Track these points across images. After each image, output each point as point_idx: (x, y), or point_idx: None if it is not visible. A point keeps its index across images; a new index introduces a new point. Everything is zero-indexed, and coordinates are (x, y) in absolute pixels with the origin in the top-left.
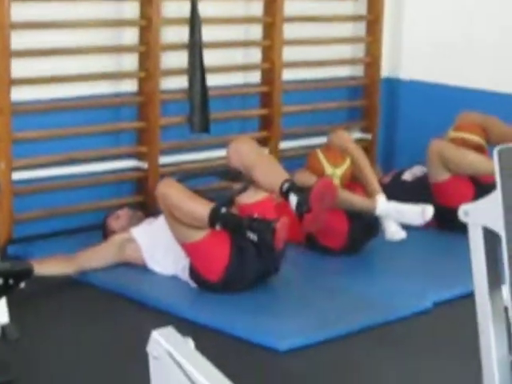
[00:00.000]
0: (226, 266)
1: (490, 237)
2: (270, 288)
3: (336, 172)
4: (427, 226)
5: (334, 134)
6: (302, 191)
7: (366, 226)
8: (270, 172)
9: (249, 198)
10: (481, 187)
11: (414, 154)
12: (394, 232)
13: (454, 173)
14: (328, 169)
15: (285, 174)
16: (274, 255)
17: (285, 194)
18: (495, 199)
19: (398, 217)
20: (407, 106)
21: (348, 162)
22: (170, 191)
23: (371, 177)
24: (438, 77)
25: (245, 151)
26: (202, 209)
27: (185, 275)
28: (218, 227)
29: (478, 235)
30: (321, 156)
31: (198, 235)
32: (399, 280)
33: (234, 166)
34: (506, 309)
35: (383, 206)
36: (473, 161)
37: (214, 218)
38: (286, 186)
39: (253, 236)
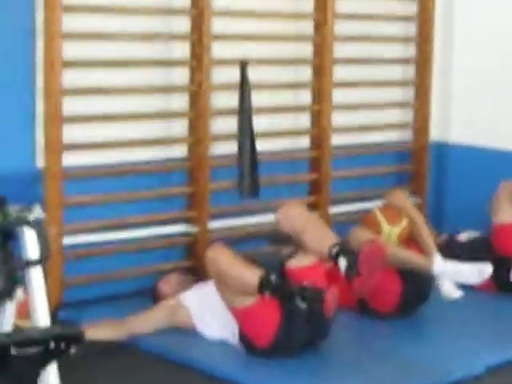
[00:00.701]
0: (276, 331)
1: None
2: (321, 353)
3: (393, 231)
4: (484, 289)
5: (391, 194)
6: (352, 254)
7: (419, 288)
8: (319, 236)
9: (298, 262)
10: None
11: (464, 219)
12: (450, 291)
13: None
14: (385, 227)
15: (334, 238)
16: (323, 322)
17: (334, 258)
18: None
19: (455, 276)
20: (456, 170)
21: (405, 221)
22: (220, 256)
23: (428, 236)
24: (488, 141)
25: (295, 215)
26: (251, 275)
27: (235, 340)
28: (267, 295)
29: None
30: (379, 215)
31: (248, 301)
32: (451, 343)
33: (283, 230)
34: None
35: (441, 264)
36: None
37: (264, 285)
38: (335, 249)
39: (302, 304)
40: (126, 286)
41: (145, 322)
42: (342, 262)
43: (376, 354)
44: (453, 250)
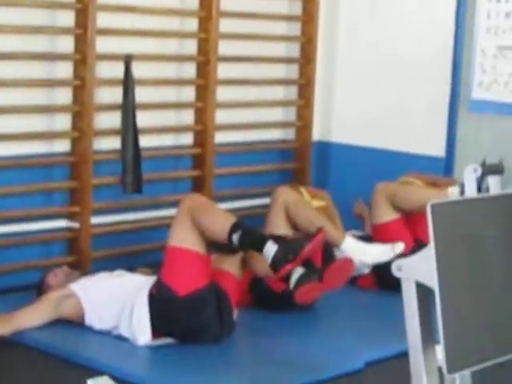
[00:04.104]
0: (199, 289)
1: (424, 292)
2: (205, 351)
3: (313, 202)
4: (365, 287)
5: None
6: (284, 242)
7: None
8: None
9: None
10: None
11: (345, 214)
12: (359, 265)
13: (402, 210)
14: (306, 196)
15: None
16: (230, 317)
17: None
18: (428, 254)
19: (363, 255)
20: (337, 168)
21: (324, 204)
22: (200, 198)
23: (339, 222)
24: (367, 140)
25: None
26: (227, 217)
27: (130, 324)
28: (235, 237)
29: (411, 290)
30: (301, 187)
31: (198, 247)
32: (332, 339)
33: None
34: (439, 369)
35: (351, 242)
36: (421, 193)
37: (237, 226)
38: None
39: (273, 247)
40: (7, 281)
41: (31, 316)
42: (271, 249)
43: (259, 352)
44: None
